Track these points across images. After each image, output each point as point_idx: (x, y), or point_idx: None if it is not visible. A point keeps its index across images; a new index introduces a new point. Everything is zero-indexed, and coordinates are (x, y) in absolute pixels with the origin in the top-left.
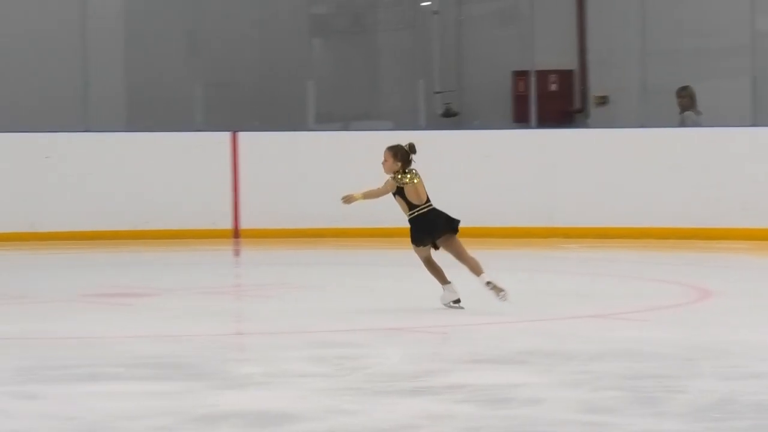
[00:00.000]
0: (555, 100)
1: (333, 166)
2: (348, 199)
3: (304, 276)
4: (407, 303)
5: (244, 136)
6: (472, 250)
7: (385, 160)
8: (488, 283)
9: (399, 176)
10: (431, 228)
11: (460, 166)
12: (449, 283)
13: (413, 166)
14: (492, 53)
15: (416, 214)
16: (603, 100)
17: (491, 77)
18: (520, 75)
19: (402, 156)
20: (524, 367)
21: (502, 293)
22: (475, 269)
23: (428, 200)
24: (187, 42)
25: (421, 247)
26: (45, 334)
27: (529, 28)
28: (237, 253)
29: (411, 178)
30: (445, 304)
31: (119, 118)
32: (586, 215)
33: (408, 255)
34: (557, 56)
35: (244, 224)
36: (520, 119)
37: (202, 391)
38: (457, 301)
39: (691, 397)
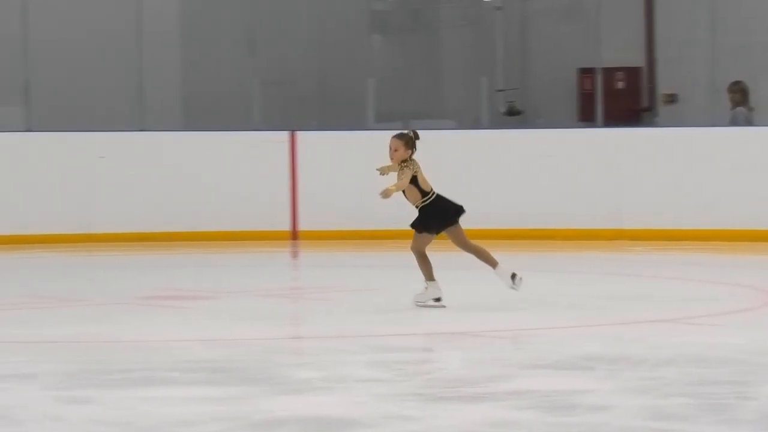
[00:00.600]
0: (622, 98)
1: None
2: (386, 193)
3: (363, 278)
4: (470, 307)
5: (302, 136)
6: (536, 253)
7: (396, 150)
8: (513, 276)
9: (411, 164)
10: (443, 215)
11: (524, 166)
12: (435, 280)
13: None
14: (557, 50)
15: (428, 201)
16: (671, 98)
17: (556, 74)
18: (586, 72)
19: (412, 144)
20: (589, 372)
21: (518, 279)
22: (489, 260)
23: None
24: (244, 40)
25: (427, 236)
26: (98, 337)
27: (595, 24)
28: (295, 255)
29: (418, 166)
30: (421, 302)
31: (175, 117)
32: (654, 217)
33: (470, 258)
34: (624, 53)
35: (303, 226)
36: (586, 118)
37: (258, 396)
38: (439, 299)
39: (762, 403)
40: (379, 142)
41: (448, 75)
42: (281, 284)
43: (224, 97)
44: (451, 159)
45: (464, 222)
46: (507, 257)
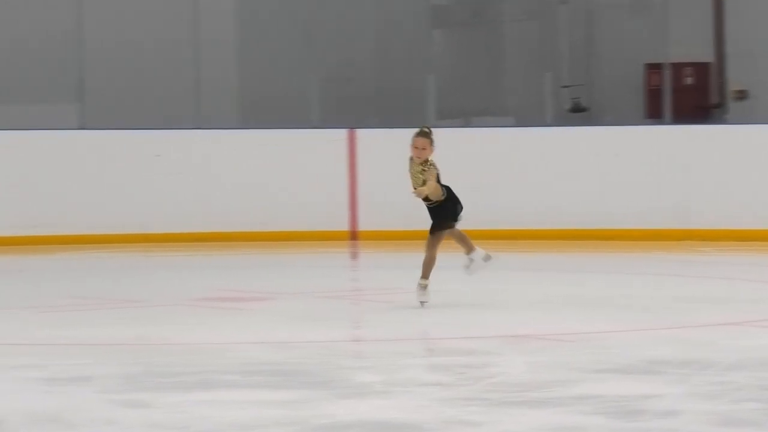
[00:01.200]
0: (690, 95)
1: (454, 164)
2: (420, 194)
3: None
4: (534, 308)
5: (361, 134)
6: (602, 254)
7: (424, 148)
8: (487, 256)
9: (431, 163)
10: (455, 211)
11: (589, 164)
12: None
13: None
14: (623, 44)
15: (446, 196)
16: (742, 95)
17: (622, 70)
18: (654, 68)
19: (433, 141)
20: (657, 377)
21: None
22: (469, 244)
23: None
24: (302, 35)
25: (443, 233)
26: (155, 339)
27: (662, 18)
28: (354, 255)
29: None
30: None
31: (232, 114)
32: (724, 216)
33: (535, 259)
34: (693, 48)
35: (362, 225)
36: (654, 115)
37: (318, 400)
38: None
39: None
40: (439, 139)
41: (510, 71)
42: (341, 285)
43: (281, 95)
44: (512, 157)
45: (525, 222)
46: (571, 258)
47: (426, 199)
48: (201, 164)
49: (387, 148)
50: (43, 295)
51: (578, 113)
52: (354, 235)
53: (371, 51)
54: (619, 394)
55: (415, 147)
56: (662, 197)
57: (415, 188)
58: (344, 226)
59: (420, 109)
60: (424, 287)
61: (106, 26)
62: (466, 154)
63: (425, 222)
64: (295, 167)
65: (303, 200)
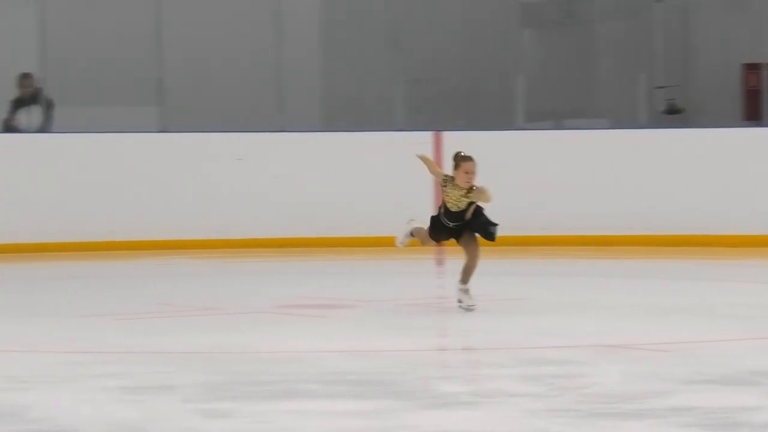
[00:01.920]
0: None
1: (544, 168)
2: (486, 198)
3: (512, 287)
4: (628, 317)
5: (448, 136)
6: (697, 261)
7: (475, 173)
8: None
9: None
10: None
11: (685, 167)
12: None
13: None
14: (720, 44)
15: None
16: None
17: (719, 70)
18: (752, 68)
19: None
20: (757, 388)
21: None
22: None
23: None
24: (387, 35)
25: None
26: (236, 347)
27: (761, 16)
28: (440, 262)
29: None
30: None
31: (315, 117)
32: None
33: (627, 265)
34: None
35: None
36: (751, 117)
37: (402, 410)
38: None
39: None
40: (529, 142)
41: (602, 71)
42: (426, 293)
43: (366, 96)
44: (605, 160)
45: (616, 227)
46: (667, 266)
47: (457, 218)
48: (283, 168)
49: (474, 151)
50: (123, 302)
51: (673, 115)
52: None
53: (458, 51)
54: (718, 406)
55: (466, 172)
56: (760, 202)
57: (454, 210)
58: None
59: (508, 110)
60: (466, 291)
61: (186, 26)
62: (556, 157)
63: (512, 228)
64: (379, 171)
65: (387, 205)
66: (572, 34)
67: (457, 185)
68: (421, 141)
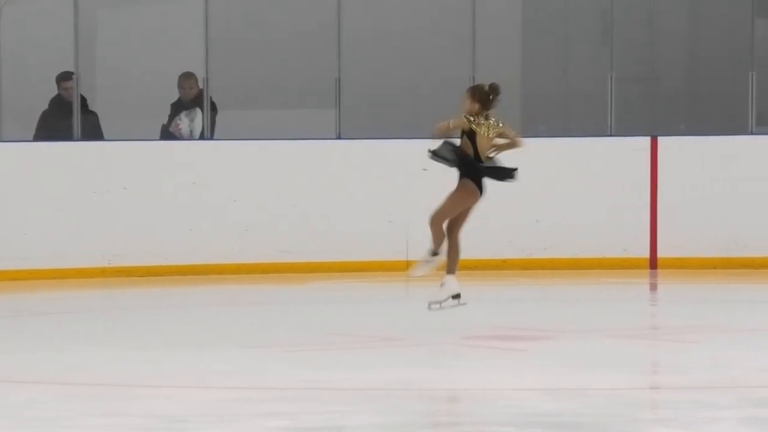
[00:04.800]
0: None
1: None
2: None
3: (734, 317)
4: None
5: (665, 142)
6: None
7: (462, 102)
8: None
9: (474, 119)
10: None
11: None
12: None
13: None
14: None
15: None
16: None
17: None
18: None
19: (480, 97)
20: None
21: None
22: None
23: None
24: (598, 27)
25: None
26: (420, 384)
27: None
28: (653, 287)
29: (487, 128)
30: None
31: (513, 119)
32: None
33: None
34: None
35: (663, 252)
36: None
37: None
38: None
39: None
40: (763, 149)
41: None
42: (637, 322)
43: (571, 96)
44: None
45: None
46: None
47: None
48: None
49: (696, 159)
50: (291, 331)
51: None
52: (654, 263)
53: (681, 44)
54: None
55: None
56: None
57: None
58: (643, 252)
59: (739, 112)
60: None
61: (368, 20)
62: None
63: (737, 248)
64: (585, 182)
65: (593, 221)
66: None
67: (490, 122)
68: (635, 147)
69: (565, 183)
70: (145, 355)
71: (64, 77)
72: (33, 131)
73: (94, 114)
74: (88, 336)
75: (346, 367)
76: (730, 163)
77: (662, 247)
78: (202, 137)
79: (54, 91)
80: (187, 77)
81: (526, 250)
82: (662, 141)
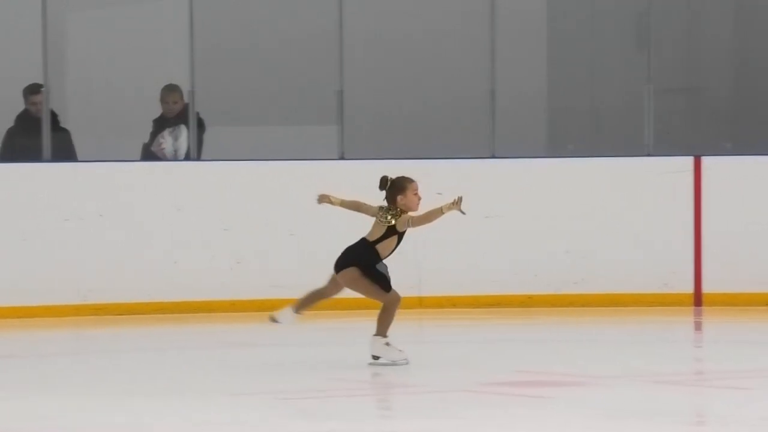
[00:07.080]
0: None
1: None
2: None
3: None
4: None
5: (711, 163)
6: None
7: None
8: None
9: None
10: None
11: None
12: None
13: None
14: None
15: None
16: None
17: None
18: None
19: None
20: None
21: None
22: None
23: None
24: (633, 31)
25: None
26: None
27: None
28: (698, 326)
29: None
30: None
31: (539, 138)
32: None
33: None
34: None
35: (709, 287)
36: None
37: None
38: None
39: None
40: None
41: None
42: (678, 367)
43: (602, 111)
44: None
45: None
46: None
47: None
48: (496, 203)
49: (744, 182)
50: (287, 376)
51: None
52: (698, 300)
53: (727, 53)
54: None
55: (416, 194)
56: None
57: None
58: (686, 286)
59: None
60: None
61: (372, 26)
62: None
63: None
64: (620, 207)
65: (629, 251)
66: None
67: (401, 214)
68: (676, 169)
69: (596, 209)
70: (122, 404)
71: (32, 90)
72: None
73: (66, 131)
74: (59, 382)
75: (348, 417)
76: None
77: (707, 282)
78: (187, 158)
79: (21, 105)
80: (170, 90)
81: (554, 285)
82: (706, 161)
